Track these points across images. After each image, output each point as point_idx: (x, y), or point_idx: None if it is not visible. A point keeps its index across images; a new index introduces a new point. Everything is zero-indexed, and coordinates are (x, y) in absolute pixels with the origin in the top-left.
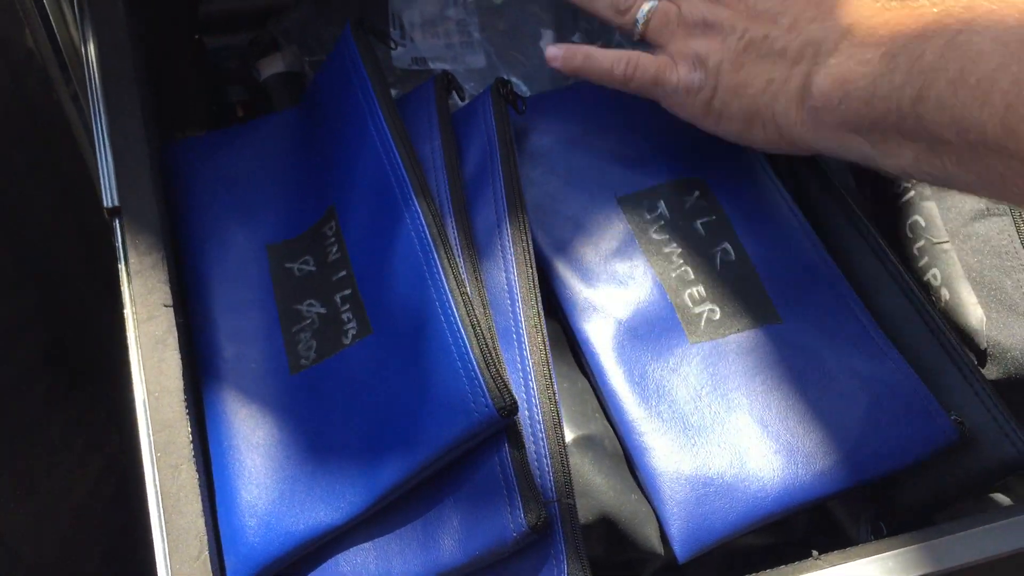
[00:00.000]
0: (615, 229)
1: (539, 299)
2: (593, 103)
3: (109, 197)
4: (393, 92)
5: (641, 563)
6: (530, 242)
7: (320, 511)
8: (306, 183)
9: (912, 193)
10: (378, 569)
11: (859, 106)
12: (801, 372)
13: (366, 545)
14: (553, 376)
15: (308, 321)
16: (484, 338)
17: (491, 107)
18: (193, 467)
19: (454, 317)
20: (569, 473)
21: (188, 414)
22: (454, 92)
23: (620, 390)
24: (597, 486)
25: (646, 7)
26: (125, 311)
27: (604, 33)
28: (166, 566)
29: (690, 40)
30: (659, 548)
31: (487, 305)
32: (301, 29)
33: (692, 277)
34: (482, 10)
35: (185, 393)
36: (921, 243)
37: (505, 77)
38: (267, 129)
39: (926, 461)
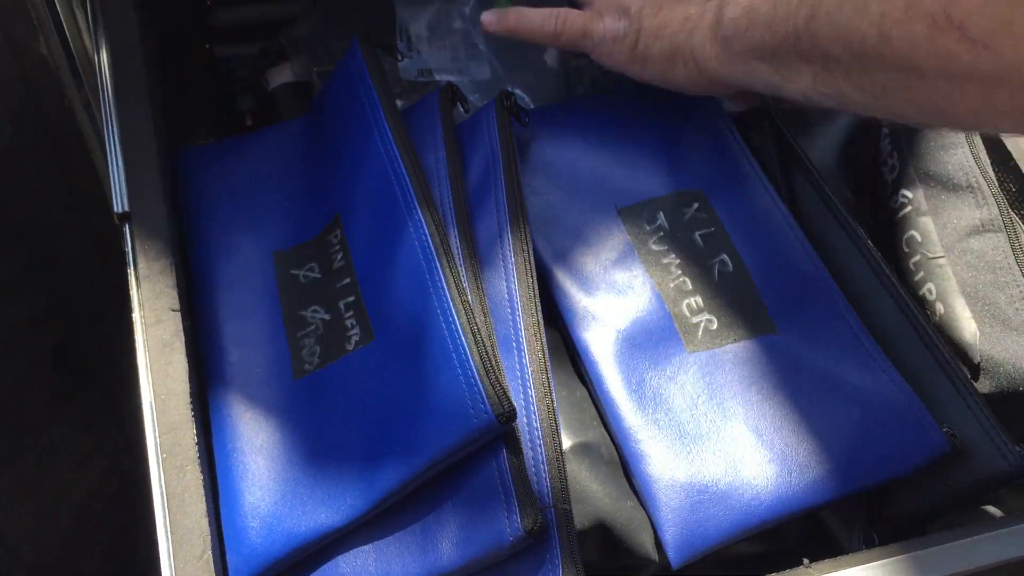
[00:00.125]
0: (615, 239)
1: (539, 308)
2: (595, 116)
3: (119, 203)
4: (399, 103)
5: (636, 569)
6: (531, 252)
7: (321, 513)
8: (312, 191)
9: (909, 208)
10: (377, 571)
11: (763, 32)
12: (796, 382)
13: (366, 547)
14: (552, 384)
15: (312, 327)
16: (484, 346)
17: (495, 119)
18: (198, 468)
19: (455, 325)
20: (566, 479)
21: (194, 416)
22: (459, 103)
23: (618, 397)
24: (593, 492)
25: None
26: (133, 315)
27: None
28: (170, 565)
29: None
30: (654, 554)
31: (488, 313)
32: (310, 40)
33: (690, 287)
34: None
35: (191, 396)
36: (917, 258)
37: (509, 89)
38: (275, 137)
39: (918, 472)
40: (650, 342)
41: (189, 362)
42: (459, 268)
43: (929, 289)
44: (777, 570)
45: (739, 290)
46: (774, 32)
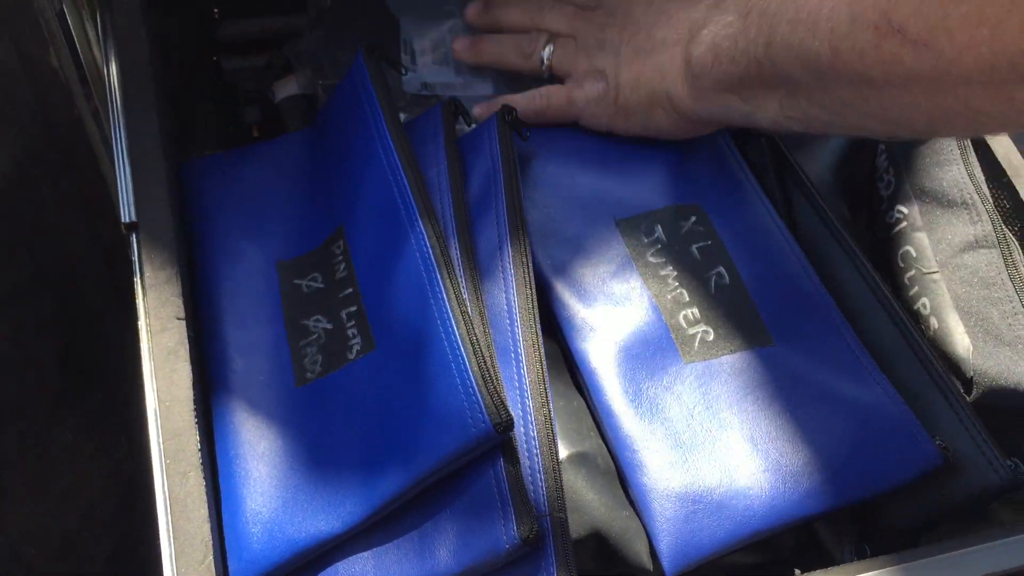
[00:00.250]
0: (613, 252)
1: (537, 319)
2: (595, 132)
3: (127, 213)
4: (402, 116)
5: None
6: (530, 264)
7: (321, 520)
8: (316, 202)
9: (904, 224)
10: None
11: (727, 65)
12: (791, 394)
13: (365, 554)
14: (549, 394)
15: (315, 336)
16: (483, 356)
17: (496, 133)
18: (201, 474)
19: (455, 335)
20: (562, 488)
21: (197, 423)
22: (461, 117)
23: (615, 407)
24: (589, 502)
25: (547, 49)
26: (139, 323)
27: None
28: (172, 569)
29: (591, 59)
30: (648, 564)
31: (487, 324)
32: (315, 53)
33: (687, 299)
34: None
35: (195, 403)
36: (912, 273)
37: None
38: (280, 149)
39: (911, 484)
40: (647, 353)
41: (193, 370)
42: (459, 279)
43: (924, 304)
44: None
45: (736, 302)
46: (737, 63)
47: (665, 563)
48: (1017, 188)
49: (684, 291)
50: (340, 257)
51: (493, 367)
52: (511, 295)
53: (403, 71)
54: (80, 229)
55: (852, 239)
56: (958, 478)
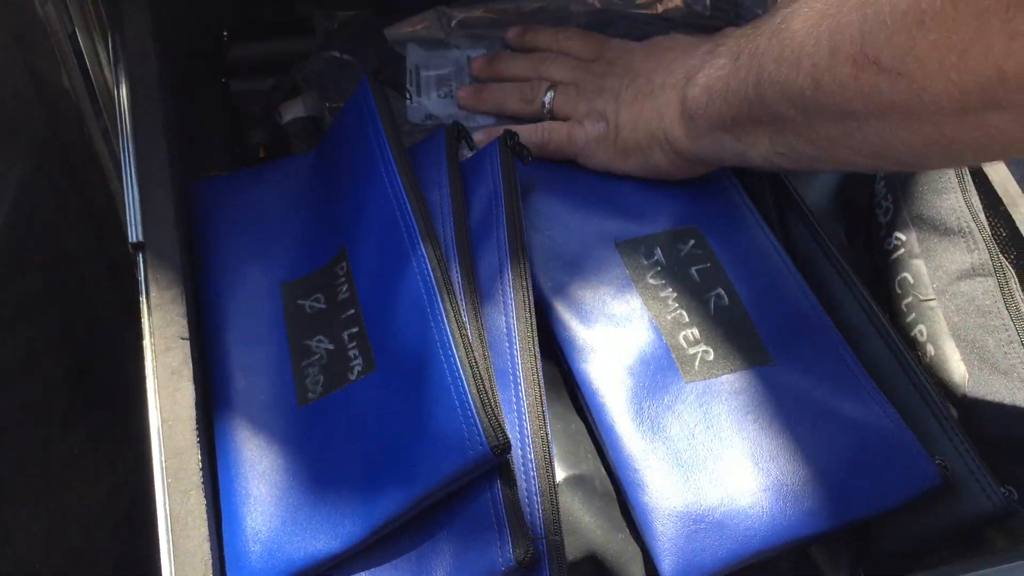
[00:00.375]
0: (614, 274)
1: (536, 343)
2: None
3: (134, 233)
4: (407, 141)
5: None
6: (530, 288)
7: (320, 540)
8: (320, 224)
9: (902, 251)
10: None
11: (721, 105)
12: (791, 413)
13: (363, 574)
14: (547, 417)
15: (317, 356)
16: (482, 379)
17: (498, 157)
18: (201, 493)
19: (454, 358)
20: (558, 511)
21: (199, 442)
22: (464, 141)
23: (617, 427)
24: (586, 524)
25: (548, 95)
26: (144, 342)
27: None
28: None
29: (592, 102)
30: None
31: (486, 347)
32: (322, 76)
33: (687, 320)
34: None
35: (197, 422)
36: (909, 299)
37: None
38: (286, 171)
39: (909, 506)
40: (648, 373)
41: (196, 389)
42: (459, 302)
43: (920, 330)
44: None
45: (735, 322)
46: (729, 103)
47: None
48: (1013, 217)
49: (684, 312)
50: (343, 278)
51: (491, 390)
52: (511, 318)
53: (408, 96)
54: (89, 246)
55: (849, 265)
56: (952, 504)
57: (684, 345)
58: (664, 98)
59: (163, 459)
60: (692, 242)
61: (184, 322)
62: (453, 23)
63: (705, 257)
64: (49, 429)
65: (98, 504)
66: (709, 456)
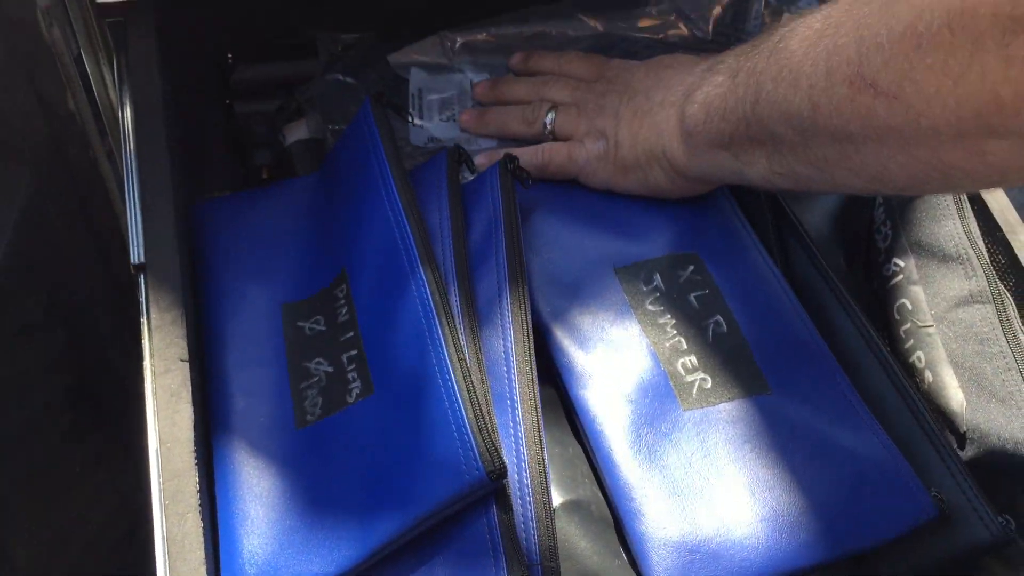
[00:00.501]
0: (612, 299)
1: (534, 368)
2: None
3: (136, 254)
4: (408, 163)
5: None
6: (528, 312)
7: (315, 564)
8: (321, 246)
9: (900, 277)
10: None
11: (718, 122)
12: (788, 442)
13: None
14: (544, 442)
15: (316, 378)
16: (479, 404)
17: (499, 181)
18: (199, 516)
19: (452, 382)
20: (554, 537)
21: (197, 464)
22: (465, 165)
23: (614, 454)
24: (582, 550)
25: (549, 116)
26: (144, 363)
27: None
28: None
29: (592, 120)
30: None
31: (484, 371)
32: (325, 99)
33: (685, 347)
34: None
35: (195, 444)
36: (907, 326)
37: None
38: (288, 192)
39: (905, 537)
40: (646, 400)
41: (195, 411)
42: (458, 326)
43: (919, 357)
44: None
45: (733, 350)
46: (728, 121)
47: None
48: (1012, 244)
49: (682, 339)
50: (342, 301)
51: (489, 415)
52: (509, 343)
53: (410, 119)
54: (93, 266)
55: (848, 291)
56: (949, 533)
57: (682, 372)
58: (663, 115)
59: (161, 481)
60: (691, 268)
61: (184, 344)
62: (456, 46)
63: (704, 283)
64: (51, 447)
65: (99, 522)
66: (706, 485)
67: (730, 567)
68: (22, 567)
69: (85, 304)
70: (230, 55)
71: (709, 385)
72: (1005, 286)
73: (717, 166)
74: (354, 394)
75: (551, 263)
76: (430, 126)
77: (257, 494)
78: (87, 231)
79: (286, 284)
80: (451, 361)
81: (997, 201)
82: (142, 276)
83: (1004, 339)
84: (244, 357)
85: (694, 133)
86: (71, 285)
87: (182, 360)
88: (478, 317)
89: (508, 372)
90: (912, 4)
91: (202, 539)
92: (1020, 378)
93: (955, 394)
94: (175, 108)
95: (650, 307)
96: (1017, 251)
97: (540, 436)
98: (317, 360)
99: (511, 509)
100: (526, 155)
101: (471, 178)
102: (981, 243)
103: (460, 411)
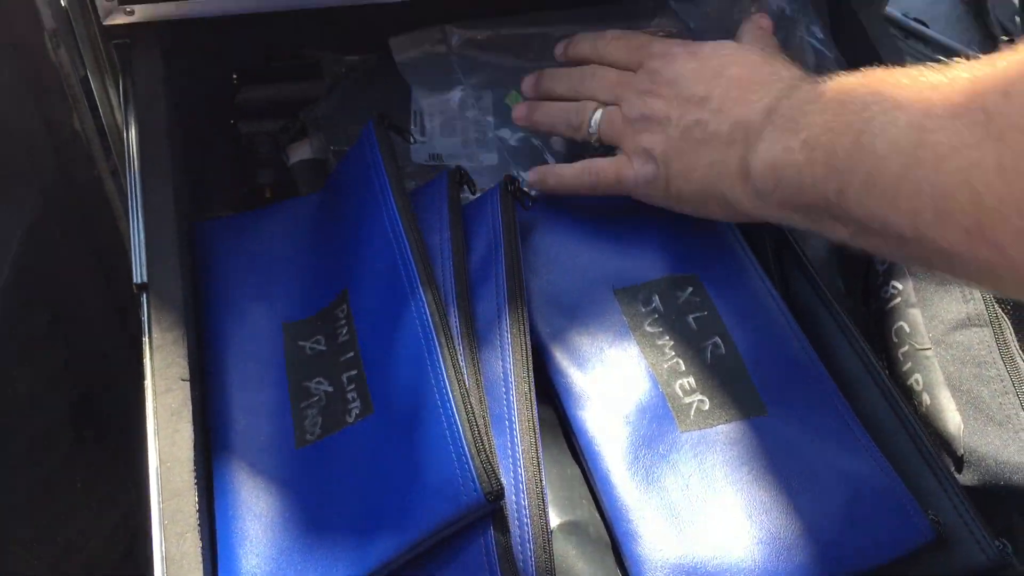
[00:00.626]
0: (611, 321)
1: (533, 389)
2: (595, 202)
3: (138, 273)
4: (410, 183)
5: None
6: (527, 334)
7: None
8: (322, 266)
9: (898, 300)
10: None
11: (794, 193)
12: (786, 465)
13: None
14: (541, 463)
15: (316, 398)
16: (477, 425)
17: (499, 202)
18: (197, 536)
19: (450, 404)
20: (552, 558)
21: (196, 484)
22: (466, 186)
23: (611, 476)
24: (579, 571)
25: (595, 117)
26: (145, 382)
27: None
28: None
29: (638, 136)
30: None
31: (483, 392)
32: (329, 119)
33: (683, 369)
34: (497, 108)
35: (195, 464)
36: (905, 348)
37: (514, 174)
38: (290, 212)
39: (902, 560)
40: (644, 421)
41: (196, 430)
42: (457, 348)
43: (916, 380)
44: None
45: (731, 372)
46: (804, 195)
47: None
48: None
49: (681, 361)
50: (343, 321)
51: (487, 436)
52: (507, 364)
53: (411, 140)
54: (96, 283)
55: (846, 314)
56: (946, 556)
57: (680, 394)
58: (720, 155)
59: (160, 500)
60: (690, 290)
61: (185, 363)
62: (455, 42)
63: (703, 305)
64: (53, 464)
65: (101, 539)
66: (703, 507)
67: None
68: None
69: (88, 323)
70: (235, 75)
71: (707, 407)
72: (1002, 309)
73: (788, 221)
74: (353, 414)
75: (551, 283)
76: (431, 142)
77: (256, 514)
78: (91, 250)
79: (288, 303)
80: (450, 383)
81: None
82: (144, 296)
83: (1001, 362)
84: (245, 376)
85: (764, 194)
86: (74, 303)
87: (183, 379)
88: (477, 338)
89: (507, 393)
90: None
91: (200, 559)
92: (1017, 401)
93: (952, 417)
94: (180, 128)
95: (649, 328)
96: None
97: (538, 457)
98: (317, 380)
99: (508, 530)
100: (573, 175)
101: (473, 198)
102: None
103: (458, 432)
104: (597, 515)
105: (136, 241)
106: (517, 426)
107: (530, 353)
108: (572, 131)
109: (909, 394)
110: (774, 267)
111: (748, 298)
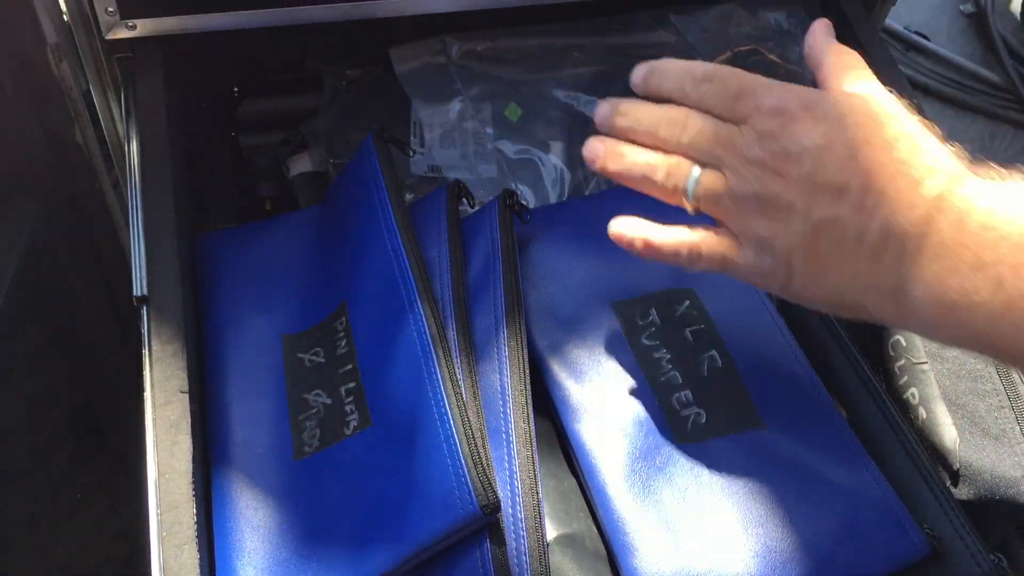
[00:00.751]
0: (609, 333)
1: (529, 402)
2: (593, 215)
3: (139, 286)
4: (409, 195)
5: None
6: (525, 347)
7: None
8: (322, 278)
9: None
10: None
11: (970, 332)
12: (782, 478)
13: None
14: (538, 476)
15: (314, 410)
16: (474, 438)
17: (497, 216)
18: (195, 548)
19: (447, 416)
20: (548, 571)
21: (195, 496)
22: (465, 199)
23: (608, 488)
24: None
25: (691, 183)
26: (145, 394)
27: None
28: None
29: (749, 219)
30: None
31: (480, 405)
32: (329, 133)
33: (680, 382)
34: (497, 120)
35: (194, 476)
36: (902, 362)
37: (513, 187)
38: (290, 225)
39: (897, 574)
40: (641, 434)
41: (194, 443)
42: (454, 361)
43: (912, 393)
44: None
45: (728, 385)
46: (990, 338)
47: None
48: None
49: (677, 374)
50: (342, 333)
51: (484, 449)
52: (505, 377)
53: (411, 153)
54: (97, 296)
55: (842, 330)
56: (941, 570)
57: (677, 407)
58: (865, 267)
59: (159, 512)
60: (687, 303)
61: (184, 376)
62: (455, 53)
63: (699, 318)
64: (54, 476)
65: (101, 550)
66: (699, 520)
67: None
68: None
69: (89, 336)
70: (236, 89)
71: (704, 420)
72: None
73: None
74: (351, 426)
75: (549, 296)
76: (430, 154)
77: (254, 525)
78: (92, 262)
79: (287, 316)
80: (447, 396)
81: None
82: (144, 308)
83: (997, 376)
84: (244, 388)
85: (929, 327)
86: (75, 315)
87: (182, 392)
88: (475, 351)
89: (504, 406)
90: None
91: (198, 571)
92: (1013, 416)
93: (948, 431)
94: (181, 141)
95: (646, 341)
96: None
97: (535, 470)
98: (316, 392)
99: (505, 543)
100: (670, 248)
101: (471, 211)
102: None
103: (455, 445)
104: (594, 528)
105: (136, 254)
106: (514, 439)
107: (527, 366)
108: (660, 192)
109: (905, 408)
110: None
111: (745, 312)
